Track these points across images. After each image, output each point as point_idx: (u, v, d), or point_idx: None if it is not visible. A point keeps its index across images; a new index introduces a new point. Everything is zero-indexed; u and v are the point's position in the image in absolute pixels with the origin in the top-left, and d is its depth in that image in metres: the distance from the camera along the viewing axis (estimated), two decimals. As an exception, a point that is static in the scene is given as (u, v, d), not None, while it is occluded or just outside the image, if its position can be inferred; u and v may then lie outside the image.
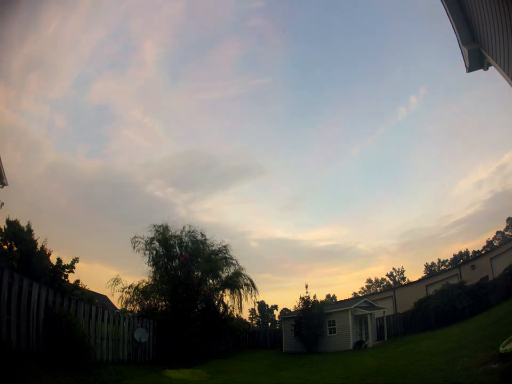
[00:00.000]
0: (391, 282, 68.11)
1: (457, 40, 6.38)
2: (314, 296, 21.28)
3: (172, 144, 74.61)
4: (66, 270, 15.93)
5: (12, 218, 15.18)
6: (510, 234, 54.15)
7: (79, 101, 55.02)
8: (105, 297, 26.59)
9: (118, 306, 21.30)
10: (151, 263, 19.63)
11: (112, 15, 48.09)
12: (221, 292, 21.13)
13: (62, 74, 49.95)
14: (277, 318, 66.97)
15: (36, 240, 15.36)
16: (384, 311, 22.39)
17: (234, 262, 21.38)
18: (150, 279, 20.06)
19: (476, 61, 6.29)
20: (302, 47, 64.25)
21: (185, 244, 20.46)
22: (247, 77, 68.48)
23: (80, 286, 18.34)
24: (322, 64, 66.22)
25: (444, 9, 6.17)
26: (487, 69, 6.22)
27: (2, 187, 12.62)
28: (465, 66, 6.55)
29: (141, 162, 67.61)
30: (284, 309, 56.31)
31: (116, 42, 54.96)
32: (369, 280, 72.72)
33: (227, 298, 21.15)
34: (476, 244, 77.47)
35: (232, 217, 76.77)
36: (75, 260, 16.14)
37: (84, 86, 56.31)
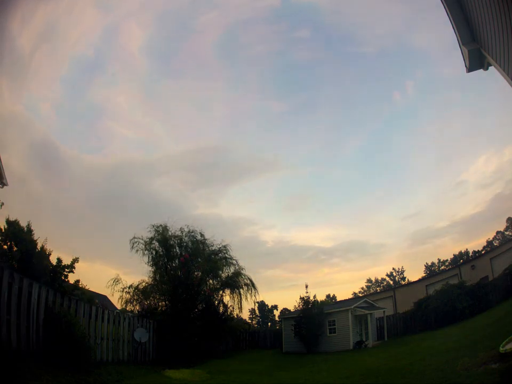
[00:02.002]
0: (391, 282, 68.10)
1: (457, 40, 6.38)
2: (314, 296, 21.32)
3: (173, 143, 74.73)
4: (66, 270, 15.95)
5: (12, 218, 15.20)
6: (510, 234, 54.13)
7: (77, 97, 55.12)
8: (105, 297, 26.60)
9: (118, 306, 21.33)
10: (151, 263, 19.66)
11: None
12: (221, 292, 21.15)
13: (62, 70, 50.00)
14: (277, 318, 66.94)
15: (36, 240, 15.38)
16: (384, 311, 22.39)
17: (234, 262, 21.41)
18: (150, 279, 20.10)
19: (475, 61, 6.29)
20: (300, 46, 64.22)
21: (185, 243, 20.47)
22: (246, 76, 68.58)
23: (80, 286, 18.37)
24: (321, 64, 66.25)
25: (444, 9, 6.18)
26: (487, 69, 6.22)
27: (2, 187, 12.60)
28: (465, 66, 6.56)
29: (144, 161, 67.43)
30: (284, 309, 56.25)
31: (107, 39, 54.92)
32: (369, 280, 72.76)
33: (227, 298, 21.19)
34: (476, 244, 77.57)
35: (233, 215, 76.89)
36: (75, 260, 16.18)
37: (81, 83, 56.41)
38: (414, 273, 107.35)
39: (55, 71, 48.25)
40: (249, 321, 57.49)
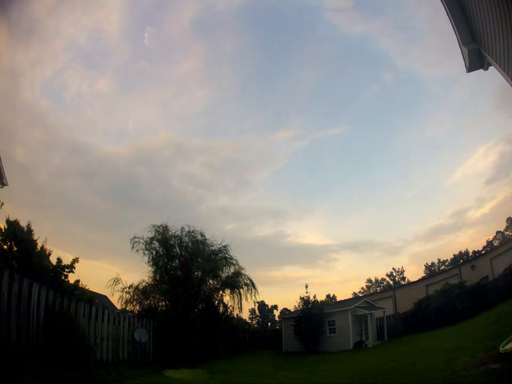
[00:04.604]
0: (391, 282, 68.08)
1: (457, 40, 6.38)
2: (314, 296, 21.40)
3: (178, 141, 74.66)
4: (66, 270, 15.96)
5: (12, 218, 15.19)
6: (510, 234, 54.12)
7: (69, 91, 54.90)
8: (105, 297, 26.62)
9: (118, 306, 21.31)
10: (151, 263, 19.61)
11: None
12: (221, 292, 21.12)
13: (65, 58, 49.68)
14: (277, 318, 66.87)
15: (36, 240, 15.37)
16: (384, 311, 22.40)
17: (234, 262, 21.37)
18: (150, 279, 20.05)
19: (475, 61, 6.29)
20: (297, 45, 64.17)
21: (185, 243, 20.43)
22: (243, 76, 68.59)
23: (80, 286, 18.35)
24: (318, 67, 66.20)
25: (444, 10, 6.17)
26: (487, 69, 6.22)
27: (2, 187, 12.61)
28: (465, 66, 6.56)
29: (148, 159, 67.25)
30: (284, 309, 56.26)
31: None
32: (369, 280, 72.78)
33: (227, 298, 21.15)
34: (476, 244, 77.64)
35: (231, 214, 76.84)
36: (75, 260, 16.19)
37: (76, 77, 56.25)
38: (414, 273, 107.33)
39: (61, 55, 47.76)
40: (249, 321, 57.52)
